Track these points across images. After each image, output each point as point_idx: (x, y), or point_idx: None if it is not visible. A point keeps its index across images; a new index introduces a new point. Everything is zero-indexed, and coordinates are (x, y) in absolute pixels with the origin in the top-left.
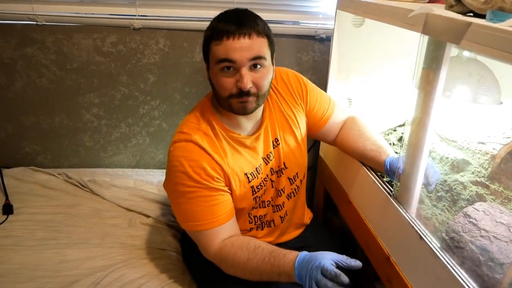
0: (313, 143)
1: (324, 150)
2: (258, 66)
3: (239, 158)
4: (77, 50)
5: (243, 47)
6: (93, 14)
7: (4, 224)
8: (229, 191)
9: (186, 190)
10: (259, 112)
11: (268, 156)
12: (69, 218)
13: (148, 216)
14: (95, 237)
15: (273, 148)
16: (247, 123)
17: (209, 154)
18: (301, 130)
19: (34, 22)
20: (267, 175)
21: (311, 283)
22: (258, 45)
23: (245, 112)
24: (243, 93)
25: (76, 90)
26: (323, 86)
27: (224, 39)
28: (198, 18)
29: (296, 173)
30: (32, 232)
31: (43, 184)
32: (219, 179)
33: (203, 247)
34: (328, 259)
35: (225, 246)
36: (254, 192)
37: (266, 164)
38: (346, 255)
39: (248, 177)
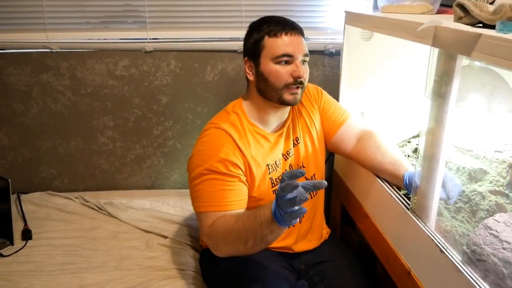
0: (328, 156)
1: (339, 164)
2: (305, 63)
3: (261, 150)
4: (91, 75)
5: (298, 43)
6: (105, 39)
7: (23, 249)
8: (246, 183)
9: (203, 172)
10: (286, 112)
11: (288, 152)
12: (87, 242)
13: (165, 237)
14: (113, 260)
15: (293, 146)
16: (274, 120)
17: (235, 141)
18: (317, 128)
19: (49, 50)
20: (286, 171)
21: (278, 204)
22: (305, 44)
23: (296, 102)
24: (297, 82)
25: (90, 114)
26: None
27: (282, 35)
28: (207, 38)
29: (313, 175)
30: (52, 257)
31: (61, 208)
32: (239, 167)
33: (203, 226)
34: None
35: (218, 219)
36: (273, 185)
37: (285, 160)
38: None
39: (268, 168)
